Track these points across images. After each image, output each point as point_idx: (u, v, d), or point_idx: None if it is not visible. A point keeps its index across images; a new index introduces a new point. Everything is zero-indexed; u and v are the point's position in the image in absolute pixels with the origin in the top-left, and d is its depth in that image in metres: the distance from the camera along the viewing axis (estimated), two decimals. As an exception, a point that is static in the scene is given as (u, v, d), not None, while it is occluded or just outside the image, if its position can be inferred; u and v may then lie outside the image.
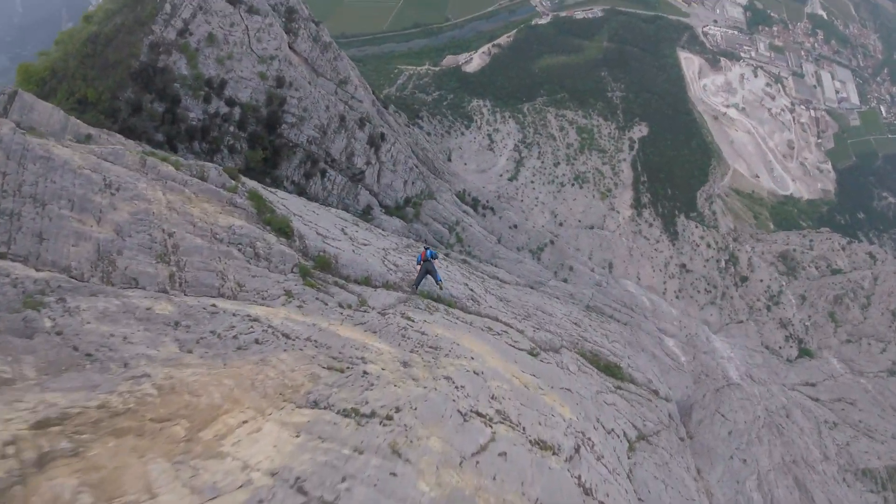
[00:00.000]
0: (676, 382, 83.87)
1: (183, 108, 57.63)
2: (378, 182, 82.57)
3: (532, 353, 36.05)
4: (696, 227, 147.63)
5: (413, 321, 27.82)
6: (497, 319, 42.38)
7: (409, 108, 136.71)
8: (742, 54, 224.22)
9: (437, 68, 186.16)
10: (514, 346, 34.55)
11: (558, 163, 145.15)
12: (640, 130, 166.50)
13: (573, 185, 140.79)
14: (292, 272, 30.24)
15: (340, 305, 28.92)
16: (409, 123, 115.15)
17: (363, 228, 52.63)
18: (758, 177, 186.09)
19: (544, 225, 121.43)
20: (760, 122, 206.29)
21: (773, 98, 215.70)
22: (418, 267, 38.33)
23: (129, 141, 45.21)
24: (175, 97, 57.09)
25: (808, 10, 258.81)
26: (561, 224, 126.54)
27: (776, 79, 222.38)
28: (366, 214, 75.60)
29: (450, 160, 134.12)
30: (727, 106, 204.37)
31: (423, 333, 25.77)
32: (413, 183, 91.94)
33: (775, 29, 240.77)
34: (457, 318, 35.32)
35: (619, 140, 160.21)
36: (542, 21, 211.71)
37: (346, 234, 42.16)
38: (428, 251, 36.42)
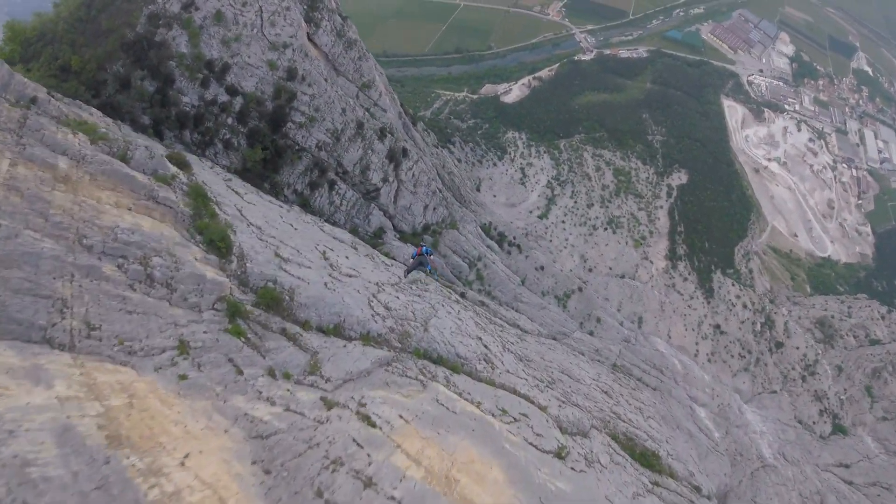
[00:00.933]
0: (715, 468, 71.30)
1: (176, 90, 47.93)
2: (395, 203, 71.67)
3: (559, 455, 24.68)
4: (733, 285, 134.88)
5: (373, 426, 16.31)
6: (515, 391, 31.12)
7: (441, 132, 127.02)
8: (786, 106, 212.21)
9: (474, 96, 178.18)
10: (536, 447, 23.16)
11: (592, 204, 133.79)
12: (679, 177, 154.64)
13: (606, 229, 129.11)
14: (214, 309, 19.33)
15: (271, 373, 17.79)
16: (438, 145, 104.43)
17: (361, 254, 41.70)
18: (796, 236, 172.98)
19: (573, 269, 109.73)
20: (802, 178, 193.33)
21: (815, 154, 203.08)
22: (412, 261, 40.15)
23: (107, 119, 35.85)
24: (169, 77, 47.39)
25: (853, 65, 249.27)
26: (590, 270, 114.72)
27: (819, 134, 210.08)
28: (376, 238, 64.84)
29: (478, 190, 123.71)
30: (769, 159, 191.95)
31: (368, 481, 14.07)
32: (434, 209, 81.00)
33: (821, 83, 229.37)
34: (459, 395, 24.03)
35: (657, 186, 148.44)
36: (586, 57, 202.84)
37: (326, 259, 31.24)
38: (424, 248, 38.99)
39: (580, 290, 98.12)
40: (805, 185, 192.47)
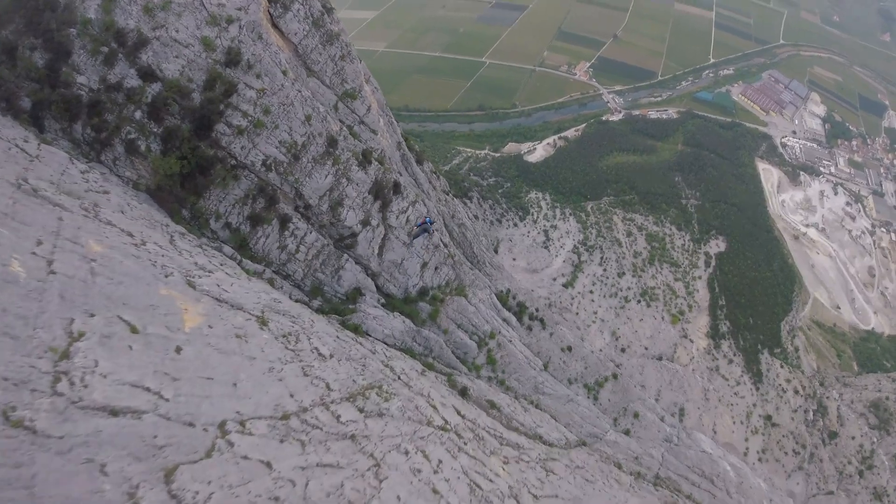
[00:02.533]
0: None
1: (70, 65, 32.33)
2: (380, 255, 52.47)
3: None
4: (782, 367, 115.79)
5: None
6: None
7: (457, 185, 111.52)
8: (821, 169, 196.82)
9: (496, 154, 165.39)
10: None
11: (623, 273, 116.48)
12: (717, 245, 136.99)
13: (639, 301, 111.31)
14: None
15: None
16: (450, 192, 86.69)
17: (268, 336, 23.91)
18: (839, 308, 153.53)
19: (603, 349, 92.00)
20: (841, 244, 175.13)
21: (853, 218, 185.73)
22: (416, 229, 46.27)
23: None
24: (64, 48, 32.13)
25: (885, 123, 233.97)
26: (623, 350, 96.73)
27: (856, 197, 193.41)
28: (348, 301, 46.90)
29: (496, 251, 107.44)
30: (807, 225, 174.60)
31: None
32: (437, 268, 62.04)
33: (854, 143, 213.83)
34: None
35: (693, 254, 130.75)
36: (614, 118, 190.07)
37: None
38: (427, 219, 45.67)
39: (615, 376, 79.69)
40: (845, 252, 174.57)
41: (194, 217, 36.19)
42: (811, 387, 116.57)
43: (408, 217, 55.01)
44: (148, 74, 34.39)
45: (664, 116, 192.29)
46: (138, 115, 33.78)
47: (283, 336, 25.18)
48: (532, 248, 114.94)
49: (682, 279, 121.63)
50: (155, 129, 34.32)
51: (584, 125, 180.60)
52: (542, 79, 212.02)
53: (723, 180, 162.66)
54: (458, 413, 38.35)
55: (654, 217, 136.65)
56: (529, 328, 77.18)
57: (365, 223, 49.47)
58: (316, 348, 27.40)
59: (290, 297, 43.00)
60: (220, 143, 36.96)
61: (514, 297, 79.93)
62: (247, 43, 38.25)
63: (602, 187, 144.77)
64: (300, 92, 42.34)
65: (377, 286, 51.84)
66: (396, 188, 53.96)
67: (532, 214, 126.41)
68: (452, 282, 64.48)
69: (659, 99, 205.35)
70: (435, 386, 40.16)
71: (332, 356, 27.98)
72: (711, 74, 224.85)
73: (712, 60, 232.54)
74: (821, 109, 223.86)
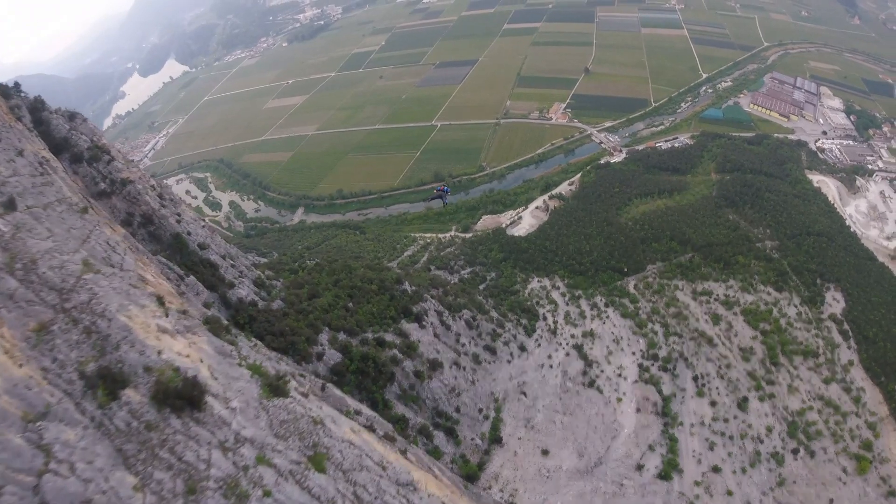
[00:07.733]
0: None
1: None
2: None
3: None
4: None
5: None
6: None
7: (387, 296, 58.17)
8: (869, 166, 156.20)
9: (467, 234, 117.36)
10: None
11: (745, 398, 61.67)
12: (835, 300, 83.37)
13: (796, 452, 56.11)
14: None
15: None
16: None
17: None
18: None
19: None
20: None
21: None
22: (434, 193, 43.60)
23: None
24: None
25: None
26: None
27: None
28: None
29: (499, 441, 52.93)
30: (887, 238, 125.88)
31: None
32: None
33: (886, 130, 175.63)
34: None
35: (819, 326, 76.56)
36: (615, 158, 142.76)
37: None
38: (445, 188, 42.53)
39: None
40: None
41: None
42: None
43: None
44: None
45: (678, 144, 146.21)
46: None
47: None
48: (568, 393, 61.04)
49: (833, 377, 66.65)
50: None
51: (579, 175, 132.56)
52: (510, 131, 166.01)
53: (788, 205, 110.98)
54: None
55: (740, 281, 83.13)
56: None
57: None
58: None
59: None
60: None
61: None
62: None
63: (638, 251, 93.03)
64: None
65: None
66: None
67: (545, 320, 73.35)
68: None
69: (662, 127, 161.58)
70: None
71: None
72: (710, 90, 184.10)
73: (705, 76, 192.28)
74: (837, 102, 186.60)
